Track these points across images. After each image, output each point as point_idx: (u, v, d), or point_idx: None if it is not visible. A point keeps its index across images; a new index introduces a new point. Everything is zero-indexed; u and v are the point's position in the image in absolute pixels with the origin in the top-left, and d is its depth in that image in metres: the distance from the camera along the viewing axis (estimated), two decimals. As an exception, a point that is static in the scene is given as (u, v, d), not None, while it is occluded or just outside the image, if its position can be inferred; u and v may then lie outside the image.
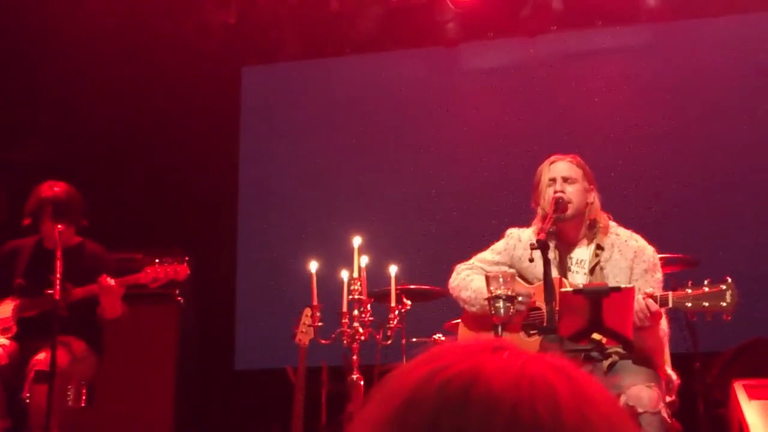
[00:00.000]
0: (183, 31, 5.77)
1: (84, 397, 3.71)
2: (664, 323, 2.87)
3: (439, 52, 5.93)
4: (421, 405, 0.62)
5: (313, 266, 3.67)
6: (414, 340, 4.16)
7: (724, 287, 2.69)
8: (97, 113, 5.84)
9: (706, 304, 2.69)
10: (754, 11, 5.61)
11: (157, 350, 4.67)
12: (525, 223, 3.27)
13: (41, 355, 3.55)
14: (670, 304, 2.71)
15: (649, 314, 2.69)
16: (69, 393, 3.63)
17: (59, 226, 3.67)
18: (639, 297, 2.69)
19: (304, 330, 3.78)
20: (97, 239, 3.98)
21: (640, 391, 2.68)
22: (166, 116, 5.87)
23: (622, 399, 2.70)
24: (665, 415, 2.68)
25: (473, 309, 3.11)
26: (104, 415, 4.14)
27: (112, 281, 3.60)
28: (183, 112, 5.87)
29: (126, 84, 5.85)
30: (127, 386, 4.50)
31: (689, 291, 2.72)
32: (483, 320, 3.05)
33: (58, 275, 3.47)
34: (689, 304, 2.71)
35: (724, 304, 2.67)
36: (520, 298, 2.88)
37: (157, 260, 3.71)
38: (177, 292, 4.71)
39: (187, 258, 3.76)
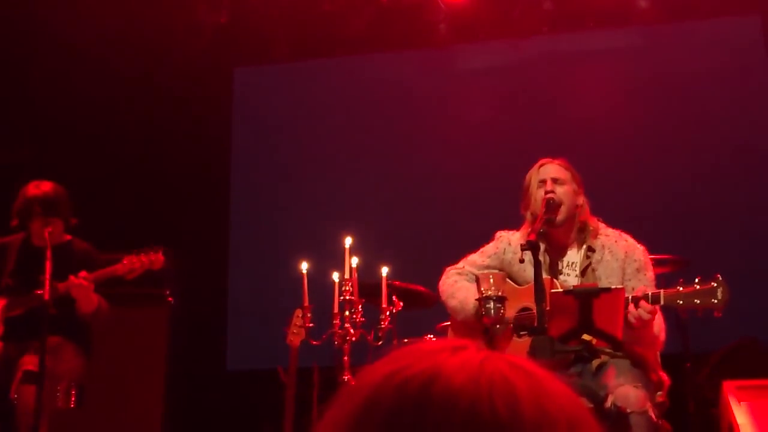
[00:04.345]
0: (174, 31, 5.75)
1: (73, 398, 3.68)
2: (659, 320, 2.87)
3: (430, 53, 5.94)
4: (380, 405, 0.62)
5: (304, 267, 3.66)
6: (405, 340, 4.15)
7: (715, 284, 2.70)
8: (87, 114, 5.83)
9: (698, 301, 2.70)
10: (742, 14, 5.65)
11: (147, 351, 4.65)
12: (516, 224, 3.27)
13: (29, 356, 3.52)
14: (662, 302, 2.72)
15: (642, 319, 2.70)
16: (57, 394, 3.61)
17: (49, 225, 3.66)
18: (631, 306, 2.70)
19: (295, 331, 3.77)
20: (87, 240, 3.96)
21: (627, 391, 2.69)
22: (157, 117, 5.86)
23: (610, 399, 2.71)
24: (652, 415, 2.68)
25: (458, 317, 3.13)
26: (94, 417, 4.12)
27: (81, 280, 3.57)
28: (174, 112, 5.86)
29: (117, 85, 5.83)
30: (117, 387, 4.48)
31: (680, 289, 2.72)
32: (469, 326, 3.06)
33: (47, 275, 3.44)
34: (680, 302, 2.72)
35: (715, 301, 2.68)
36: (497, 326, 2.87)
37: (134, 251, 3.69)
38: (167, 292, 4.69)
39: (162, 247, 3.73)
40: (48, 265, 3.46)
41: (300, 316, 3.71)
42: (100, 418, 4.29)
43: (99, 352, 3.93)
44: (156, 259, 3.70)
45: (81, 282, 3.56)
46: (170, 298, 4.75)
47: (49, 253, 3.49)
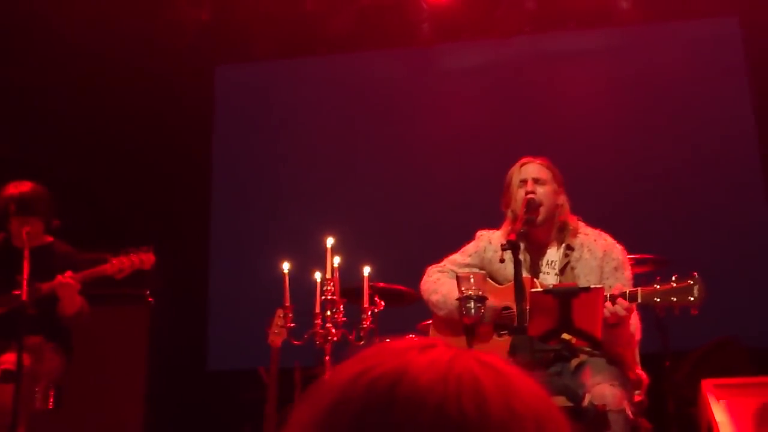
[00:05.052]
0: (156, 28, 5.71)
1: (52, 399, 3.65)
2: (635, 318, 2.89)
3: (413, 52, 5.95)
4: (348, 404, 0.62)
5: (286, 267, 3.66)
6: (387, 340, 4.15)
7: (691, 282, 2.72)
8: (67, 112, 5.77)
9: (674, 299, 2.72)
10: (720, 15, 5.70)
11: (127, 351, 4.62)
12: (498, 224, 3.29)
13: (8, 355, 3.49)
14: (639, 300, 2.74)
15: (618, 315, 2.71)
16: (36, 394, 3.58)
17: (26, 225, 3.62)
18: (608, 303, 2.71)
19: (276, 331, 3.76)
20: (68, 239, 3.93)
21: (605, 390, 2.71)
22: (138, 115, 5.82)
23: (588, 398, 2.73)
24: (630, 413, 2.70)
25: (441, 313, 3.13)
26: (73, 418, 4.09)
27: (69, 279, 3.54)
28: (155, 110, 5.83)
29: (97, 82, 5.78)
30: (96, 388, 4.45)
31: (657, 287, 2.75)
32: (451, 324, 3.06)
33: (25, 275, 3.41)
34: (658, 299, 2.74)
35: (692, 298, 2.70)
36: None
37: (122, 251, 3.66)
38: (148, 292, 4.67)
39: (152, 246, 3.70)
40: (26, 265, 3.43)
41: (281, 315, 3.70)
42: (79, 419, 4.26)
43: (79, 353, 3.90)
44: (146, 258, 3.68)
45: (68, 281, 3.53)
46: (150, 298, 4.72)
47: (26, 253, 3.46)
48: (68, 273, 3.56)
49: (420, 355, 0.64)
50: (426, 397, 0.60)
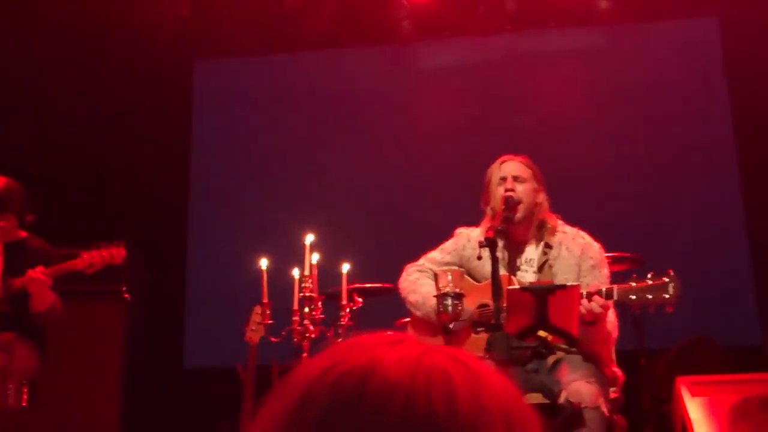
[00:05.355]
0: (134, 23, 5.66)
1: (25, 397, 3.61)
2: (612, 316, 2.91)
3: (393, 49, 5.94)
4: (315, 400, 0.62)
5: (264, 263, 3.64)
6: (379, 333, 4.14)
7: (667, 280, 2.74)
8: (44, 107, 5.71)
9: (650, 296, 2.74)
10: (702, 15, 5.75)
11: (103, 348, 4.57)
12: (477, 221, 3.29)
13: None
14: (615, 297, 2.76)
15: (594, 312, 2.73)
16: (9, 392, 3.53)
17: (0, 221, 3.58)
18: (584, 300, 2.73)
19: (254, 328, 3.75)
20: (43, 235, 3.88)
21: (581, 387, 2.72)
22: (115, 109, 5.77)
23: (564, 395, 2.74)
24: (605, 410, 2.72)
25: (418, 313, 3.13)
26: (47, 416, 4.04)
27: (39, 274, 3.49)
28: (133, 105, 5.78)
29: (74, 77, 5.72)
30: (71, 385, 4.40)
31: (633, 284, 2.76)
32: (429, 324, 3.07)
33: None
34: (633, 297, 2.75)
35: (667, 296, 2.72)
36: (451, 326, 2.89)
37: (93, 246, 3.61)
38: (124, 288, 4.62)
39: (123, 241, 3.66)
40: (0, 261, 3.39)
41: (259, 312, 3.68)
42: (54, 417, 4.21)
43: (53, 350, 3.85)
44: (117, 253, 3.64)
45: (39, 276, 3.48)
46: (127, 295, 4.68)
47: (0, 249, 3.41)
48: (39, 268, 3.51)
49: (390, 351, 0.63)
50: (394, 393, 0.60)
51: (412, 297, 3.15)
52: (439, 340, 3.02)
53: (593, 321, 2.76)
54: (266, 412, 0.64)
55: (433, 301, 2.92)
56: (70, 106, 5.74)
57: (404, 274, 3.27)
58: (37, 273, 3.49)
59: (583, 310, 2.72)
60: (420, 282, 3.16)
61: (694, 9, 5.69)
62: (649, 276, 2.76)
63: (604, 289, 2.76)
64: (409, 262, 3.32)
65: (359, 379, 0.61)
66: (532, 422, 0.63)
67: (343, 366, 0.63)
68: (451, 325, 2.83)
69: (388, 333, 0.69)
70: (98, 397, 4.50)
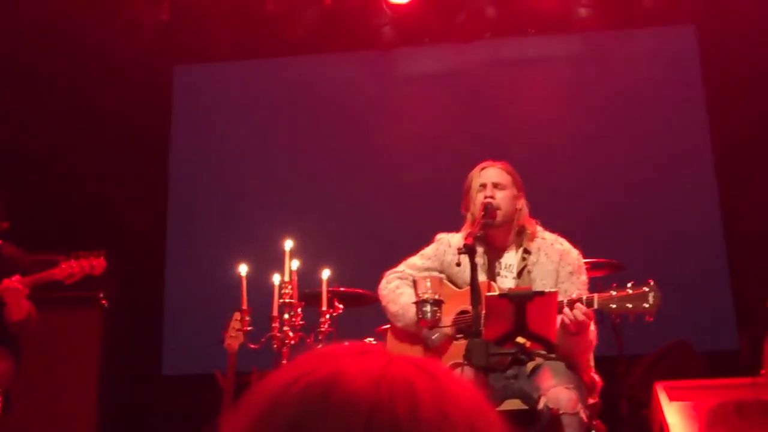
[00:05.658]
0: (114, 28, 5.62)
1: (0, 405, 3.56)
2: (592, 325, 2.92)
3: (374, 55, 5.95)
4: (280, 411, 0.62)
5: (243, 269, 3.62)
6: (346, 344, 4.13)
7: (646, 289, 2.76)
8: (21, 113, 5.65)
9: (630, 305, 2.75)
10: (679, 23, 5.81)
11: (80, 355, 4.52)
12: (457, 227, 3.30)
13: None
14: (596, 306, 2.77)
15: (578, 322, 2.74)
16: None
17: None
18: (566, 309, 2.74)
19: (233, 334, 3.73)
20: (20, 241, 3.84)
21: (560, 393, 2.73)
22: (94, 114, 5.73)
23: (543, 401, 2.75)
24: (584, 416, 2.73)
25: (399, 324, 3.13)
26: (22, 424, 3.99)
27: (16, 283, 3.44)
28: (112, 110, 5.74)
29: (53, 82, 5.68)
30: (47, 393, 4.35)
31: (614, 293, 2.78)
32: (409, 333, 3.07)
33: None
34: (613, 306, 2.77)
35: (647, 305, 2.74)
36: (433, 337, 2.90)
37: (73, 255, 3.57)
38: (101, 295, 4.58)
39: (104, 251, 3.62)
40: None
41: (238, 319, 3.66)
42: (30, 424, 4.16)
43: (29, 357, 3.81)
44: (97, 264, 3.59)
45: (15, 285, 3.43)
46: (104, 301, 4.64)
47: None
48: (16, 277, 3.46)
49: (354, 361, 0.64)
50: (359, 403, 0.60)
51: (392, 307, 3.14)
52: (418, 350, 3.02)
53: (578, 331, 2.76)
54: (233, 423, 0.64)
55: (413, 312, 2.92)
56: (48, 111, 5.68)
57: (384, 281, 3.26)
58: (14, 282, 3.44)
59: (566, 320, 2.72)
60: (399, 291, 3.16)
61: (672, 17, 5.75)
62: (629, 285, 2.78)
63: (584, 297, 2.78)
64: (389, 268, 3.32)
65: (324, 390, 0.61)
66: (497, 429, 0.64)
67: (308, 377, 0.63)
68: (433, 337, 2.84)
69: (355, 343, 0.69)
70: (74, 405, 4.45)
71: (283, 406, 0.62)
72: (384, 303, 3.20)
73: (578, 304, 2.74)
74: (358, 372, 0.62)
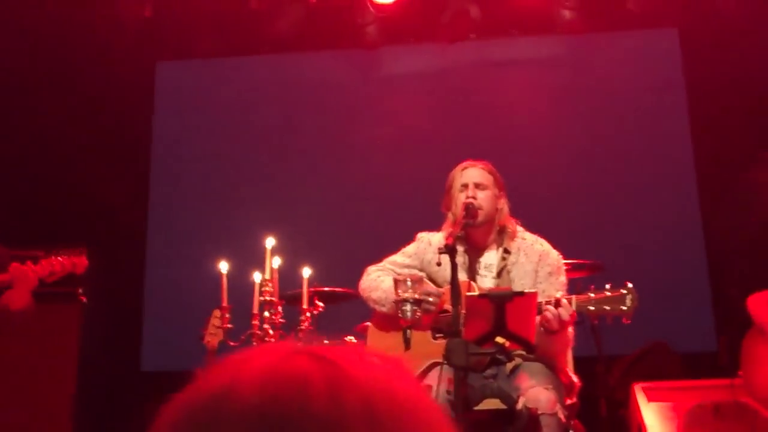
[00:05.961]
0: (97, 23, 5.58)
1: (-26, 401, 3.52)
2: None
3: (359, 54, 5.94)
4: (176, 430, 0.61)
5: (224, 267, 3.60)
6: (326, 342, 4.12)
7: (624, 292, 2.78)
8: (1, 108, 5.59)
9: (608, 307, 2.77)
10: (662, 26, 5.85)
11: (57, 351, 4.48)
12: (439, 225, 3.30)
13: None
14: (573, 307, 2.78)
15: (562, 320, 2.75)
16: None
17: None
18: (551, 307, 2.75)
19: (212, 331, 3.70)
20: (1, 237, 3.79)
21: (538, 393, 2.74)
22: (76, 110, 5.68)
23: (521, 401, 2.76)
24: (562, 416, 2.74)
25: (383, 309, 3.11)
26: (-2, 420, 3.96)
27: (29, 271, 3.39)
28: (94, 106, 5.70)
29: (34, 78, 5.62)
30: (22, 391, 4.30)
31: (592, 295, 2.80)
32: (393, 320, 3.05)
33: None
34: (591, 308, 2.79)
35: (624, 308, 2.76)
36: (431, 299, 2.90)
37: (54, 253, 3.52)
38: (80, 291, 4.54)
39: (85, 249, 3.58)
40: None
41: (218, 316, 3.64)
42: (6, 420, 4.12)
43: (5, 352, 3.77)
44: (79, 262, 3.54)
45: (28, 273, 3.37)
46: (83, 297, 4.59)
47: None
48: (29, 264, 3.41)
49: (253, 365, 0.63)
50: (249, 413, 0.59)
51: (374, 294, 3.13)
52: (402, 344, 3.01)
53: (558, 329, 2.77)
54: None
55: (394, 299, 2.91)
56: (30, 107, 5.63)
57: (365, 275, 3.26)
58: (27, 270, 3.36)
59: (550, 315, 2.73)
60: (381, 279, 3.15)
61: (655, 20, 5.79)
62: (607, 287, 2.80)
63: (564, 300, 2.79)
64: (370, 265, 3.31)
65: (214, 406, 0.61)
66: (402, 412, 0.61)
67: (201, 393, 0.62)
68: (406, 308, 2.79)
69: (268, 344, 0.68)
70: (51, 401, 4.41)
71: (180, 427, 0.61)
72: (366, 294, 3.19)
73: (563, 302, 2.76)
74: (249, 379, 0.61)
